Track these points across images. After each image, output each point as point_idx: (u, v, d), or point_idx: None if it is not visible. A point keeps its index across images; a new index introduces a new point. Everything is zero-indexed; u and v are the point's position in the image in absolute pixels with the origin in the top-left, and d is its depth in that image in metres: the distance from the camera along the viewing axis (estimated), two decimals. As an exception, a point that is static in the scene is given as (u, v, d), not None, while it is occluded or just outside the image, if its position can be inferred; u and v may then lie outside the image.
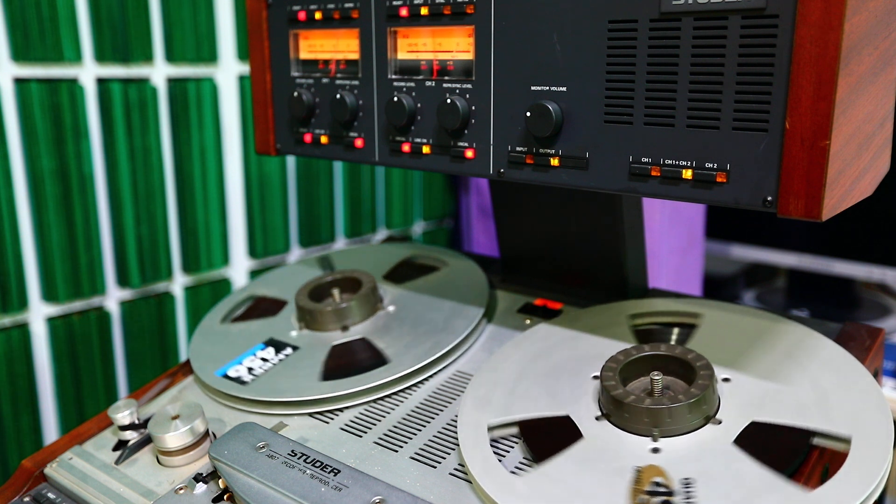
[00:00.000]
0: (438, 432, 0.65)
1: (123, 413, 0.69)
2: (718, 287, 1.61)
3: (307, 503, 0.55)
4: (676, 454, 0.55)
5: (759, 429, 0.57)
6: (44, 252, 1.08)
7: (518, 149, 0.63)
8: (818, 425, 0.56)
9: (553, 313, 0.79)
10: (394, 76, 0.70)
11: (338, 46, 0.74)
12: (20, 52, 1.01)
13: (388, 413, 0.68)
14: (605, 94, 0.58)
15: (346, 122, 0.74)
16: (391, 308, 0.82)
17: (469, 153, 0.66)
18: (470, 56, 0.65)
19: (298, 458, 0.59)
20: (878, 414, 0.56)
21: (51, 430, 1.14)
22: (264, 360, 0.76)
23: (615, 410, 0.59)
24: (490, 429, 0.62)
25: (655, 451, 0.56)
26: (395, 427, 0.66)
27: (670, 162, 0.55)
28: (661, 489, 0.52)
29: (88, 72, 1.08)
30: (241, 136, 1.26)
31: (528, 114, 0.60)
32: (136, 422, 0.70)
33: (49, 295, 1.09)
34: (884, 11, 0.53)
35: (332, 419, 0.68)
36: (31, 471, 0.69)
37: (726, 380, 0.62)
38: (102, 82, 1.10)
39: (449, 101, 0.65)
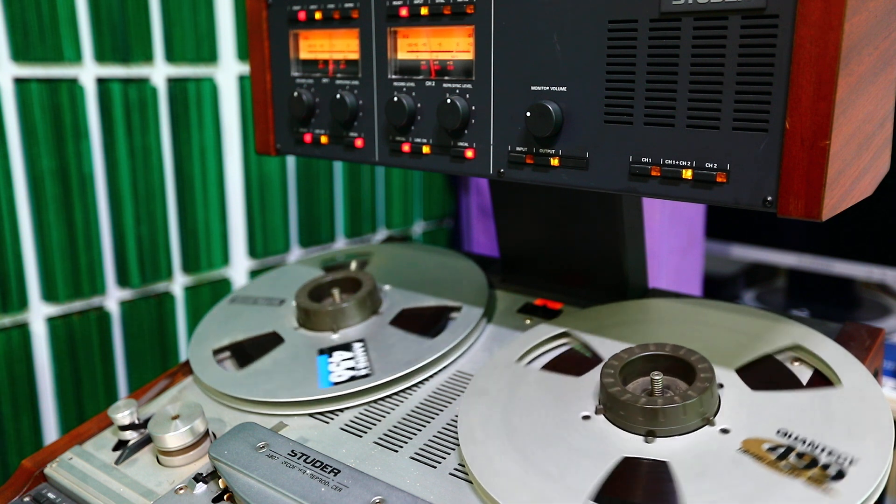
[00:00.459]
0: (438, 432, 0.65)
1: (123, 413, 0.69)
2: (718, 287, 1.61)
3: (307, 503, 0.55)
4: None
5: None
6: (44, 252, 1.08)
7: (518, 149, 0.63)
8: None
9: (553, 313, 0.79)
10: (394, 76, 0.70)
11: (338, 46, 0.74)
12: (20, 52, 1.01)
13: (388, 413, 0.68)
14: (605, 94, 0.58)
15: (346, 122, 0.74)
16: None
17: (469, 153, 0.66)
18: (470, 56, 0.65)
19: (298, 458, 0.59)
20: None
21: (51, 430, 1.14)
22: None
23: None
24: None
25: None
26: (395, 427, 0.66)
27: (670, 162, 0.55)
28: (780, 448, 0.54)
29: (88, 72, 1.08)
30: (241, 136, 1.26)
31: (528, 114, 0.60)
32: (136, 422, 0.70)
33: (49, 295, 1.10)
34: (884, 11, 0.53)
35: (332, 419, 0.68)
36: (31, 471, 0.69)
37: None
38: (102, 82, 1.10)
39: (449, 101, 0.65)
